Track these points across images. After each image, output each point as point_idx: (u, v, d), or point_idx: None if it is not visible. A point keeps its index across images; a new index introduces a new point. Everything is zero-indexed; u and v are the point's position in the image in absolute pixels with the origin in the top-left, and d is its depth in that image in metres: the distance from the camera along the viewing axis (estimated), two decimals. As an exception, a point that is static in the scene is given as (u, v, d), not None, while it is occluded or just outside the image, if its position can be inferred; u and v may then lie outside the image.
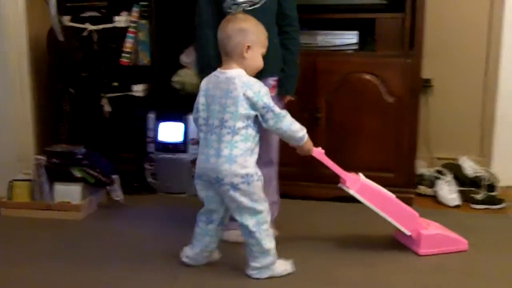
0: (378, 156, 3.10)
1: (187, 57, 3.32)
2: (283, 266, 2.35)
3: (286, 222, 2.83)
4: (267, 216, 2.31)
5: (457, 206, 3.16)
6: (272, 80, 2.59)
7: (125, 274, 2.37)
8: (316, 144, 3.05)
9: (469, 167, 3.35)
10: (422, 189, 3.31)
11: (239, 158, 2.22)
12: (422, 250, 2.54)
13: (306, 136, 2.38)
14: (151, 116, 3.32)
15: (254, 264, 2.31)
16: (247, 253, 2.33)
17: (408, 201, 3.07)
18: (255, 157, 2.28)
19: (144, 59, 3.39)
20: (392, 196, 2.61)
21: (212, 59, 2.53)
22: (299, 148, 2.41)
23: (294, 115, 3.05)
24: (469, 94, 3.52)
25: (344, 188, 2.56)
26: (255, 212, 2.27)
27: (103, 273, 2.38)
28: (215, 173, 2.24)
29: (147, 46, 3.38)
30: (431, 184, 3.30)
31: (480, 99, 3.51)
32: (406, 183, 3.12)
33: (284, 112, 2.30)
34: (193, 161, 3.24)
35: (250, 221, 2.27)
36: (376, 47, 3.09)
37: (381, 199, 2.57)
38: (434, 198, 3.25)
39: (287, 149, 3.05)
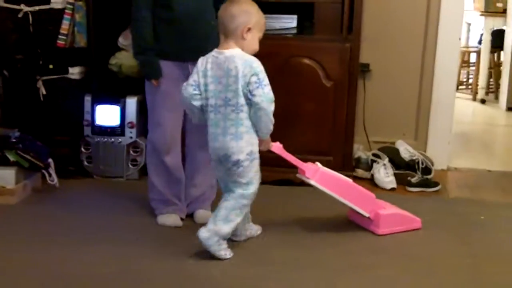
0: (317, 139, 3.13)
1: (125, 39, 3.26)
2: (225, 251, 2.34)
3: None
4: (251, 195, 2.36)
5: (393, 189, 3.22)
6: (209, 63, 2.58)
7: (60, 259, 2.32)
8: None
9: (405, 150, 3.41)
10: (360, 172, 3.36)
11: (244, 135, 2.28)
12: (381, 230, 2.60)
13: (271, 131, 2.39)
14: (88, 99, 3.25)
15: (211, 226, 2.31)
16: (212, 217, 2.35)
17: (345, 184, 3.14)
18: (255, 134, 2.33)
19: (81, 41, 3.34)
20: (349, 180, 2.67)
21: (148, 41, 2.50)
22: (263, 142, 2.41)
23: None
24: (406, 79, 3.57)
25: (304, 178, 2.59)
26: (245, 188, 2.34)
27: (37, 257, 2.32)
28: (223, 150, 2.29)
29: (84, 28, 3.32)
30: (368, 167, 3.35)
31: (417, 84, 3.57)
32: (344, 166, 3.15)
33: (273, 96, 2.30)
34: (130, 145, 3.22)
35: (237, 191, 2.33)
36: (315, 31, 3.10)
37: (339, 185, 2.61)
38: (371, 181, 3.30)
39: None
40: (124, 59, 3.25)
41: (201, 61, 2.33)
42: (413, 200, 3.07)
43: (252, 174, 2.34)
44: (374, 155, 3.38)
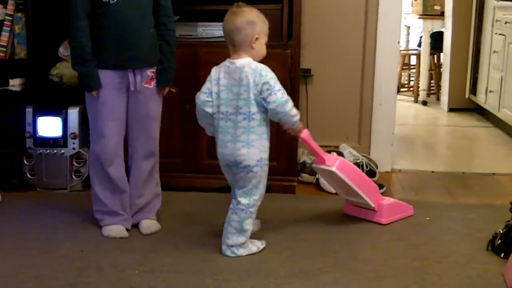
0: (261, 145, 3.13)
1: (65, 50, 3.21)
2: (255, 246, 2.46)
3: (169, 213, 2.82)
4: (258, 200, 2.45)
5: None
6: (150, 72, 2.58)
7: (6, 273, 2.27)
8: (198, 134, 3.12)
9: (349, 154, 3.46)
10: (305, 177, 3.39)
11: (255, 142, 2.36)
12: (385, 219, 2.75)
13: (299, 118, 2.45)
14: (29, 110, 3.19)
15: (229, 241, 2.41)
16: (225, 231, 2.43)
17: (291, 189, 3.17)
18: (268, 140, 2.41)
19: (21, 52, 3.31)
20: (361, 172, 2.84)
21: (87, 51, 2.48)
22: (291, 129, 2.48)
23: (176, 107, 3.09)
24: (347, 83, 3.63)
25: (323, 167, 2.67)
26: (252, 194, 2.41)
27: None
28: (233, 157, 2.37)
29: (24, 39, 3.29)
30: (313, 171, 3.38)
31: (358, 87, 3.63)
32: (289, 171, 3.18)
33: (286, 97, 2.36)
34: (73, 156, 3.17)
35: (247, 200, 2.40)
36: (255, 38, 3.12)
37: (354, 175, 2.72)
38: (317, 185, 3.34)
39: (169, 140, 3.07)
40: (65, 69, 3.21)
41: (214, 70, 2.42)
42: (358, 202, 3.12)
43: (261, 180, 2.43)
44: (319, 159, 3.40)
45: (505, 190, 3.34)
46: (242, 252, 2.43)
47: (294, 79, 3.09)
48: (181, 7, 3.06)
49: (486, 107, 4.93)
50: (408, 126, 4.90)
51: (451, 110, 5.49)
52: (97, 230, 2.66)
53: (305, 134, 2.56)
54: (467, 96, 5.39)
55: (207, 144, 3.13)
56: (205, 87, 2.42)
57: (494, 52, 4.79)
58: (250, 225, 2.43)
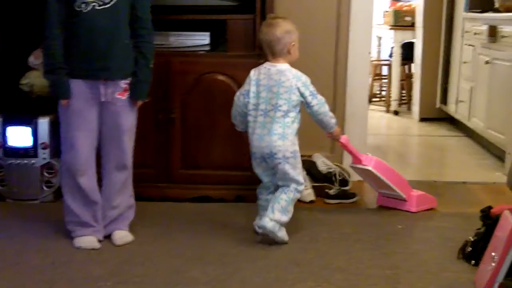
0: (234, 154, 3.13)
1: (36, 59, 3.17)
2: (285, 235, 2.65)
3: (142, 224, 2.79)
4: (301, 190, 2.72)
5: (312, 202, 3.25)
6: (123, 83, 2.55)
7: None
8: (171, 144, 3.11)
9: (322, 163, 3.47)
10: (279, 186, 3.39)
11: (289, 136, 2.63)
12: (415, 208, 3.10)
13: (336, 121, 2.80)
14: (-2, 120, 3.14)
15: (272, 216, 2.58)
16: (270, 207, 2.61)
17: (265, 198, 3.17)
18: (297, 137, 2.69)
19: (-10, 61, 3.26)
20: (393, 168, 3.14)
21: (58, 59, 2.45)
22: (330, 135, 2.84)
23: (149, 116, 3.07)
24: (320, 93, 3.61)
25: (360, 166, 3.05)
26: (297, 183, 2.67)
27: None
28: (269, 149, 2.62)
29: (-7, 48, 3.24)
30: (288, 181, 3.39)
31: (331, 97, 3.62)
32: (262, 181, 3.18)
33: (324, 99, 2.71)
34: (43, 166, 3.12)
35: (292, 186, 2.65)
36: (228, 48, 3.13)
37: (388, 171, 3.09)
38: (291, 194, 3.34)
39: (142, 150, 3.04)
40: (36, 79, 3.17)
41: (253, 72, 2.70)
42: (332, 212, 3.13)
43: (298, 170, 2.68)
44: (292, 168, 3.42)
45: (475, 198, 3.38)
46: (281, 234, 2.62)
47: (267, 88, 3.10)
48: (153, 17, 3.03)
49: (457, 116, 5.00)
50: (380, 135, 4.94)
51: (422, 119, 5.56)
52: (68, 241, 2.62)
53: (343, 139, 2.94)
54: (437, 106, 5.47)
55: (180, 153, 3.13)
56: (243, 89, 2.71)
57: (464, 62, 4.87)
58: (292, 209, 2.66)
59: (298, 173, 2.67)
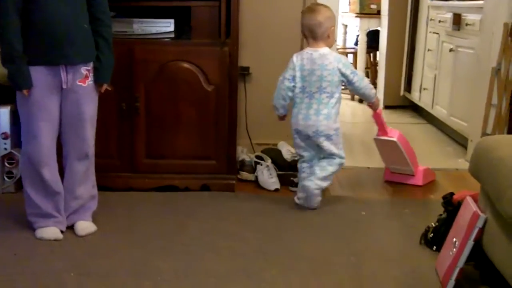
0: (199, 143, 3.11)
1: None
2: (319, 202, 2.97)
3: (105, 214, 2.76)
4: (343, 164, 3.01)
5: (277, 190, 3.25)
6: (84, 69, 2.50)
7: None
8: (135, 133, 3.08)
9: (287, 151, 3.47)
10: (244, 175, 3.38)
11: (333, 116, 2.90)
12: (422, 182, 3.36)
13: (376, 93, 3.10)
14: (-44, 110, 3.05)
15: (318, 181, 2.91)
16: (317, 172, 2.93)
17: (230, 187, 3.17)
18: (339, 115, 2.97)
19: None
20: (409, 143, 3.40)
21: (17, 48, 2.38)
22: (372, 104, 3.11)
23: (112, 106, 3.03)
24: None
25: (385, 138, 3.30)
26: (340, 157, 2.96)
27: None
28: (315, 127, 2.88)
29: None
30: (252, 169, 3.38)
31: (297, 86, 3.65)
32: (228, 170, 3.17)
33: (363, 74, 3.10)
34: (4, 156, 3.06)
35: (337, 159, 2.95)
36: (192, 36, 3.09)
37: (406, 145, 3.34)
38: (256, 183, 3.33)
39: (105, 140, 3.01)
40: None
41: (295, 57, 2.93)
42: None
43: (340, 145, 2.96)
44: (257, 157, 3.42)
45: (438, 185, 3.43)
46: (317, 199, 2.95)
47: (232, 77, 3.08)
48: (116, 3, 2.98)
49: (420, 104, 5.06)
50: (345, 123, 4.95)
51: (386, 107, 5.59)
52: (30, 233, 2.58)
53: (380, 110, 3.24)
54: (402, 93, 5.52)
55: (144, 143, 3.09)
56: (288, 74, 2.93)
57: (428, 50, 4.92)
58: (331, 178, 3.01)
59: (340, 148, 2.96)
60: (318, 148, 2.95)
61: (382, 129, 3.31)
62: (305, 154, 3.00)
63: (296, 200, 2.99)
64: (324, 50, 2.89)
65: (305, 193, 2.93)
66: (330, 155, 2.94)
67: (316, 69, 2.87)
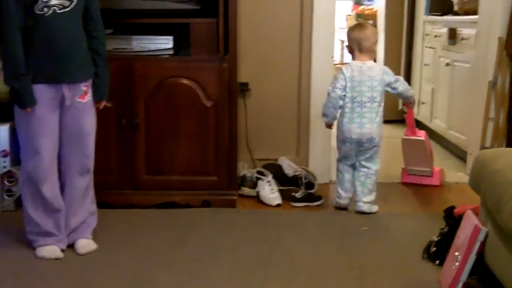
0: (200, 159, 3.12)
1: (-6, 64, 3.10)
2: (376, 207, 3.17)
3: (106, 232, 2.75)
4: (379, 169, 3.20)
5: (278, 205, 3.26)
6: (83, 86, 2.52)
7: None
8: (135, 150, 3.09)
9: (288, 166, 3.48)
10: (245, 190, 3.38)
11: (381, 123, 3.13)
12: (439, 182, 3.61)
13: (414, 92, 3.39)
14: (-45, 128, 3.05)
15: (365, 199, 3.12)
16: (358, 193, 3.13)
17: (231, 203, 3.16)
18: None
19: None
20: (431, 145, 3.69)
21: (21, 65, 2.40)
22: (410, 104, 3.40)
23: (112, 122, 3.04)
24: (285, 96, 3.65)
25: (414, 137, 3.59)
26: (378, 161, 3.18)
27: None
28: (370, 135, 3.07)
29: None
30: (254, 185, 3.38)
31: (295, 100, 3.65)
32: (229, 185, 3.17)
33: (401, 77, 3.26)
34: (4, 174, 3.05)
35: (375, 166, 3.15)
36: (191, 52, 3.11)
37: (430, 146, 3.63)
38: (257, 198, 3.34)
39: (105, 156, 3.00)
40: (-5, 85, 3.09)
41: (345, 69, 3.11)
42: (299, 215, 3.13)
43: (379, 152, 3.18)
44: (258, 172, 3.42)
45: (439, 198, 3.43)
46: (374, 209, 3.14)
47: (231, 92, 3.09)
48: (114, 20, 3.02)
49: (419, 118, 5.06)
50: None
51: (385, 122, 5.53)
52: (30, 251, 2.57)
53: (412, 110, 3.56)
54: (400, 108, 5.52)
55: (144, 159, 3.10)
56: (339, 84, 3.09)
57: (425, 65, 4.94)
58: (375, 187, 3.18)
59: (379, 151, 3.19)
60: (360, 154, 3.14)
61: (411, 129, 3.59)
62: (350, 160, 3.18)
63: (337, 200, 3.21)
64: (370, 62, 3.12)
65: (349, 193, 3.19)
66: (370, 161, 3.14)
67: (366, 80, 3.07)
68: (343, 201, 3.20)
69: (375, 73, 3.10)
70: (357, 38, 3.12)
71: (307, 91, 3.64)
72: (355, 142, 3.10)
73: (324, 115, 3.19)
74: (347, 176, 3.19)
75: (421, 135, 3.60)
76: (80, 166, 2.58)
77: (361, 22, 3.48)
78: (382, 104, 3.13)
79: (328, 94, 3.14)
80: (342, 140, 3.15)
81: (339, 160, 3.23)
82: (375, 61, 3.34)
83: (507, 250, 1.95)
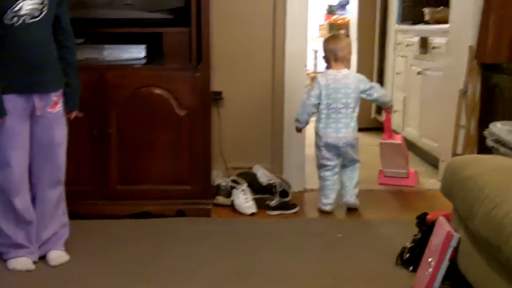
0: (173, 169, 3.10)
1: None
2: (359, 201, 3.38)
3: (78, 243, 2.71)
4: (360, 165, 3.40)
5: (253, 214, 3.25)
6: (54, 96, 2.49)
7: None
8: (108, 160, 3.07)
9: (263, 175, 3.47)
10: (220, 199, 3.37)
11: (355, 127, 3.29)
12: (414, 183, 3.79)
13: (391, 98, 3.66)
14: None
15: (354, 191, 3.34)
16: (346, 188, 3.34)
17: (205, 212, 3.15)
18: None
19: None
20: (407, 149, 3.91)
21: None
22: (389, 109, 3.56)
23: (84, 132, 3.01)
24: (259, 105, 3.65)
25: (391, 141, 3.79)
26: (357, 162, 3.37)
27: None
28: (345, 139, 3.24)
29: None
30: (228, 193, 3.37)
31: (269, 109, 3.65)
32: (204, 195, 3.16)
33: (378, 84, 3.46)
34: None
35: (355, 165, 3.35)
36: (164, 61, 3.10)
37: (406, 149, 3.84)
38: (232, 207, 3.32)
39: (77, 166, 2.97)
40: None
41: (321, 78, 3.28)
42: (273, 224, 3.13)
43: (358, 151, 3.36)
44: (233, 181, 3.41)
45: (411, 205, 3.46)
46: (358, 202, 3.35)
47: (205, 101, 3.08)
48: (87, 29, 3.00)
49: (392, 126, 5.11)
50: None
51: (358, 129, 5.62)
52: (1, 263, 2.52)
53: (391, 115, 3.75)
54: (372, 116, 5.57)
55: (117, 169, 3.07)
56: (314, 93, 3.26)
57: (397, 73, 5.00)
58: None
59: (357, 153, 3.35)
60: (342, 157, 3.30)
61: (389, 133, 3.79)
62: (330, 163, 3.31)
63: (321, 207, 3.33)
64: (345, 71, 3.28)
65: (331, 200, 3.32)
66: (351, 161, 3.32)
67: (341, 88, 3.23)
68: (327, 208, 3.32)
69: (349, 80, 3.25)
70: (332, 49, 3.27)
71: (280, 100, 3.64)
72: (332, 147, 3.26)
73: (297, 120, 3.36)
74: (329, 183, 3.32)
75: (398, 139, 3.79)
76: (51, 177, 2.54)
77: (336, 34, 3.64)
78: (357, 110, 3.27)
79: (303, 102, 3.30)
80: (319, 145, 3.30)
81: (319, 167, 3.35)
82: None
83: (480, 256, 1.97)
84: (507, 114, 3.33)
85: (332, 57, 3.28)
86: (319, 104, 3.25)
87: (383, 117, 5.32)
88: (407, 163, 3.82)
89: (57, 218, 2.61)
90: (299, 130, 3.43)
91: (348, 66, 3.34)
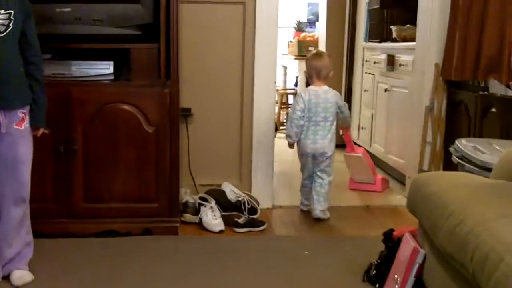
0: (140, 186, 3.06)
1: None
2: (328, 214, 3.55)
3: (43, 262, 2.65)
4: (332, 180, 3.59)
5: (221, 231, 3.23)
6: (20, 113, 2.44)
7: None
8: (73, 177, 3.03)
9: (231, 192, 3.45)
10: (188, 217, 3.34)
11: (333, 139, 3.52)
12: (381, 189, 4.08)
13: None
14: None
15: (320, 207, 3.47)
16: (314, 201, 3.49)
17: (173, 230, 3.12)
18: None
19: None
20: (371, 158, 4.20)
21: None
22: (346, 128, 3.89)
23: (49, 148, 2.96)
24: (227, 122, 3.65)
25: (353, 154, 4.07)
26: (331, 173, 3.57)
27: None
28: (322, 149, 3.48)
29: None
30: (196, 211, 3.35)
31: (238, 126, 3.66)
32: (171, 212, 3.12)
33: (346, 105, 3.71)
34: None
35: (329, 177, 3.54)
36: (132, 77, 3.08)
37: (369, 160, 4.12)
38: (200, 225, 3.30)
39: (41, 184, 2.91)
40: None
41: (304, 93, 3.53)
42: (241, 241, 3.12)
43: (332, 164, 3.56)
44: (201, 198, 3.39)
45: (378, 221, 3.48)
46: (327, 215, 3.51)
47: (173, 118, 3.06)
48: (53, 45, 2.96)
49: (359, 143, 5.15)
50: (287, 163, 4.99)
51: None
52: (-39, 284, 2.46)
53: (350, 131, 4.04)
54: (341, 133, 5.61)
55: (82, 186, 3.02)
56: (299, 107, 3.49)
57: (365, 90, 5.05)
58: (329, 194, 3.57)
59: (331, 165, 3.55)
60: (317, 166, 3.52)
61: (350, 147, 4.06)
62: (307, 172, 3.59)
63: (302, 207, 3.68)
64: (325, 87, 3.51)
65: (309, 202, 3.58)
66: (323, 172, 3.52)
67: (321, 102, 3.48)
68: (307, 208, 3.65)
69: (329, 95, 3.50)
70: (316, 67, 3.51)
71: (249, 116, 3.65)
72: (310, 156, 3.52)
73: (288, 136, 3.56)
74: (307, 190, 3.62)
75: (359, 152, 4.09)
76: (15, 195, 2.48)
77: (320, 52, 3.79)
78: (335, 123, 3.54)
79: (290, 117, 3.55)
80: (300, 154, 3.59)
81: (301, 170, 3.67)
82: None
83: (445, 272, 1.98)
84: (472, 130, 3.39)
85: (315, 74, 3.51)
86: (303, 116, 3.47)
87: (352, 135, 5.40)
88: (372, 171, 4.10)
89: (21, 237, 2.55)
90: (291, 145, 3.61)
91: (327, 81, 3.55)
